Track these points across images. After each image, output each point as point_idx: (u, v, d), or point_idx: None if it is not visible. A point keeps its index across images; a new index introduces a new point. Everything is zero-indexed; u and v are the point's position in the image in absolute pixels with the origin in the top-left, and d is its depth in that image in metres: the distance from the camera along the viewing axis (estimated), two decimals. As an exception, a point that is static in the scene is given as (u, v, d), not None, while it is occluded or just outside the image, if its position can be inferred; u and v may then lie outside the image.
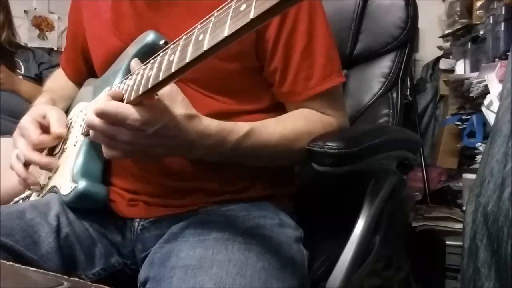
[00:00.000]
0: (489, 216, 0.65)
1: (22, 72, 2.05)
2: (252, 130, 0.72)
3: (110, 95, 0.66)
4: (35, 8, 3.04)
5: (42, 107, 0.90)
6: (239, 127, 0.71)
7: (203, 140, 0.67)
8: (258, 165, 0.78)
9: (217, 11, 0.50)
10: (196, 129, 0.66)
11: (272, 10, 0.43)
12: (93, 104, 0.66)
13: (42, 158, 0.85)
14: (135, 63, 0.70)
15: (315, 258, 0.80)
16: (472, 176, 1.68)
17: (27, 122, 0.85)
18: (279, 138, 0.74)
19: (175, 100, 0.64)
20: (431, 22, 2.61)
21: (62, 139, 0.88)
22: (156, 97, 0.62)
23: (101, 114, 0.63)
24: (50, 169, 0.87)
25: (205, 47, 0.49)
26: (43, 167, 0.86)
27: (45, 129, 0.86)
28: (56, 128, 0.85)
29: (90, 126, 0.66)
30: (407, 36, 1.06)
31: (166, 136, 0.64)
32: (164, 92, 0.62)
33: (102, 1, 0.86)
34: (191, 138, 0.66)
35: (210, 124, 0.68)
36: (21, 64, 2.07)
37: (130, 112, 0.62)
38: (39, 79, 2.07)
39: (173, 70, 0.54)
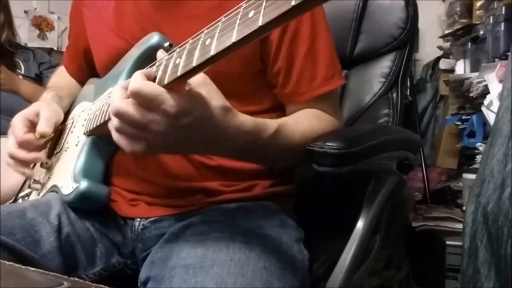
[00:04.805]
0: (489, 216, 0.65)
1: (22, 72, 2.06)
2: (279, 128, 0.69)
3: (144, 74, 0.57)
4: (35, 8, 3.05)
5: (37, 104, 0.90)
6: (269, 125, 0.68)
7: (238, 135, 0.62)
8: (278, 163, 0.78)
9: (224, 17, 0.50)
10: (233, 124, 0.61)
11: (281, 18, 0.43)
12: (119, 87, 0.59)
13: (27, 154, 0.84)
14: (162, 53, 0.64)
15: (315, 258, 0.80)
16: (472, 176, 1.68)
17: (17, 120, 0.86)
18: (301, 136, 0.73)
19: (212, 89, 0.59)
20: (431, 22, 2.62)
21: (47, 138, 0.86)
22: (188, 87, 0.57)
23: (136, 94, 0.55)
24: (43, 165, 0.87)
25: (212, 52, 0.49)
26: (29, 163, 0.86)
27: (35, 127, 0.85)
28: (41, 127, 0.84)
29: (118, 113, 0.57)
30: (407, 36, 1.06)
31: (200, 128, 0.58)
32: (198, 81, 0.57)
33: (104, 1, 0.86)
34: (226, 133, 0.61)
35: (246, 120, 0.63)
36: (21, 64, 2.07)
37: (168, 96, 0.55)
38: (39, 79, 2.08)
39: (179, 74, 0.54)
